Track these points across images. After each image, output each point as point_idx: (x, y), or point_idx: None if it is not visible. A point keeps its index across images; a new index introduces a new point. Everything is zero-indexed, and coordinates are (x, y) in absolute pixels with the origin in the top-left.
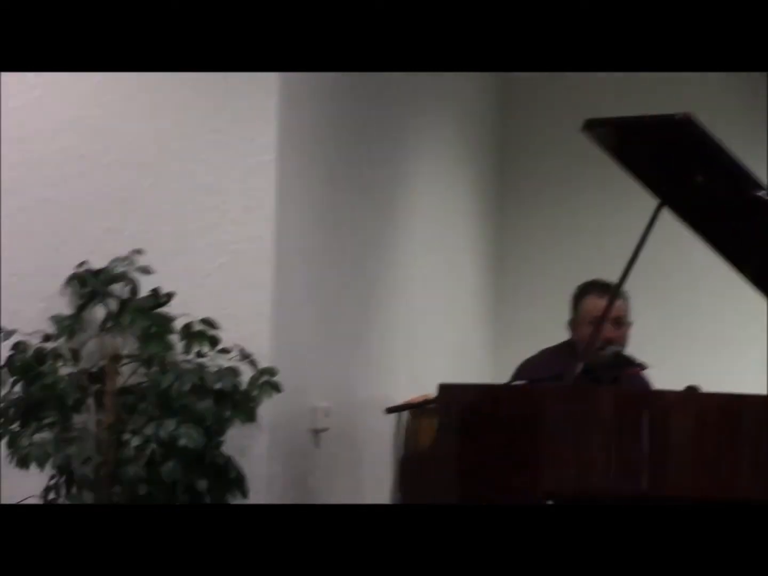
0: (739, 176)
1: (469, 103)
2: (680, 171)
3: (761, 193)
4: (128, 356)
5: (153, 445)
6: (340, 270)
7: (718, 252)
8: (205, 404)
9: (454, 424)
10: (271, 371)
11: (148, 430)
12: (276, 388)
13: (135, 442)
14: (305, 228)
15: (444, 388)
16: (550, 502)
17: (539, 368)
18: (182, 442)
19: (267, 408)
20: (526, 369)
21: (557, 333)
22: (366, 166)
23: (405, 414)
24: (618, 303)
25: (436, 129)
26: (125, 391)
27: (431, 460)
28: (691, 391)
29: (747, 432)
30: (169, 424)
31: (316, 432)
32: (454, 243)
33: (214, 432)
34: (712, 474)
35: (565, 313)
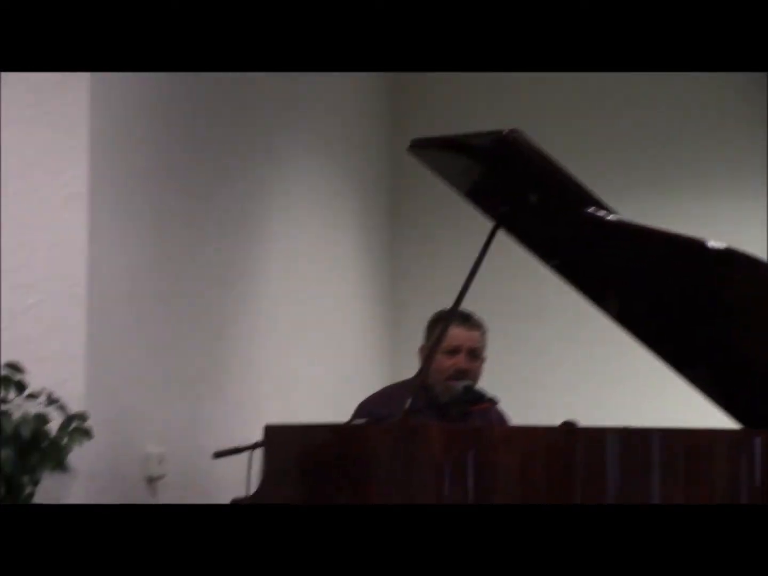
0: (573, 193)
1: (352, 101)
2: (513, 190)
3: (592, 210)
4: None
5: None
6: (173, 305)
7: (568, 281)
8: (2, 454)
9: (280, 468)
10: (82, 416)
11: None
12: (87, 434)
13: None
14: (126, 262)
15: (270, 429)
16: None
17: (382, 404)
18: None
19: (87, 455)
20: (367, 406)
21: None
22: (209, 183)
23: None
24: (474, 334)
25: (306, 130)
26: None
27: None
28: (568, 426)
29: (578, 468)
30: None
31: (151, 480)
32: (335, 252)
33: (17, 483)
34: None
35: None
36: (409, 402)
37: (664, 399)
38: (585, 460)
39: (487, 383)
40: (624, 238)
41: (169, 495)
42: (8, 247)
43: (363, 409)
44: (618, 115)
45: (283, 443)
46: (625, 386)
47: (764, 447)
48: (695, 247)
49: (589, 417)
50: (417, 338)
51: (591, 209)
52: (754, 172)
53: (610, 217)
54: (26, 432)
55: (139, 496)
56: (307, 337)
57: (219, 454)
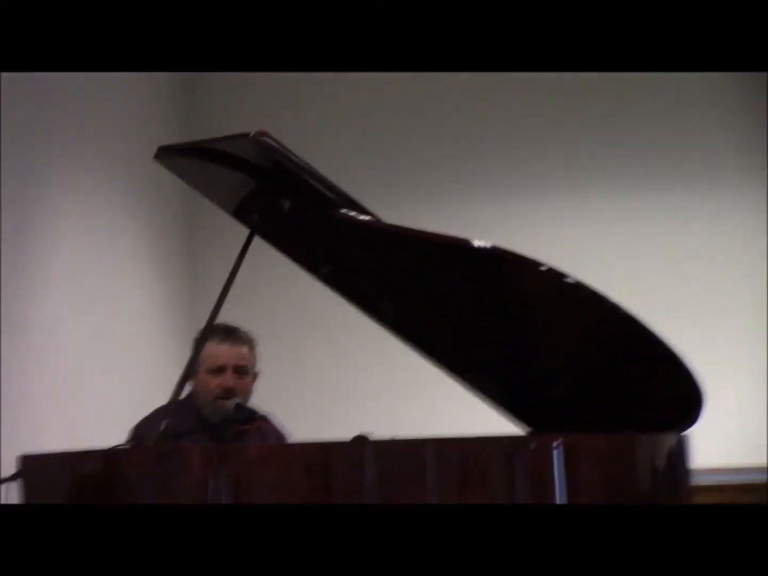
0: (324, 196)
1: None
2: (265, 196)
3: (345, 211)
4: None
5: None
6: None
7: (339, 291)
8: None
9: (39, 500)
10: None
11: None
12: None
13: None
14: None
15: (25, 459)
16: None
17: (153, 426)
18: None
19: None
20: (140, 429)
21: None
22: None
23: None
24: (240, 350)
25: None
26: None
27: None
28: (360, 439)
29: (337, 483)
30: None
31: None
32: (124, 259)
33: None
34: None
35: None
36: (164, 424)
37: (452, 406)
38: (344, 475)
39: (268, 398)
40: (383, 240)
41: None
42: None
43: (135, 431)
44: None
45: (40, 473)
46: (414, 394)
47: (540, 451)
48: (460, 247)
49: (386, 426)
50: None
51: (343, 210)
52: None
53: (362, 218)
54: None
55: None
56: (95, 353)
57: None
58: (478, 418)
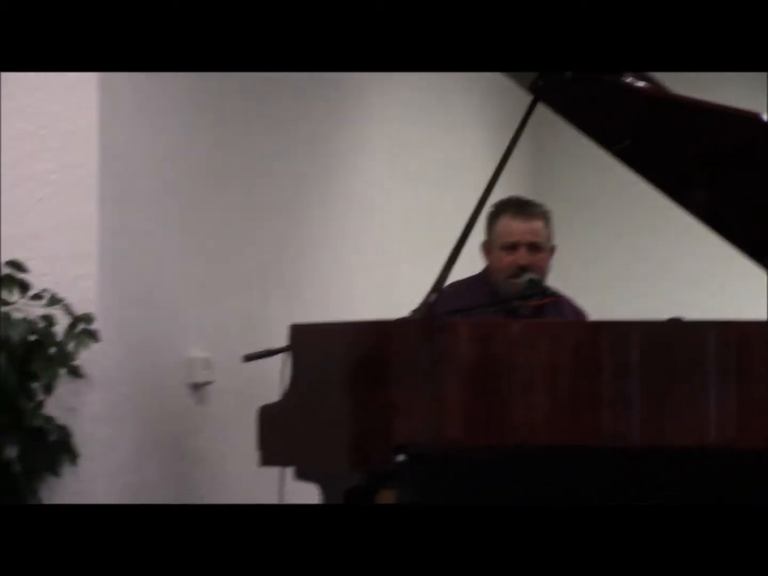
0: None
1: None
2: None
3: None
4: None
5: None
6: (227, 189)
7: (640, 171)
8: None
9: (305, 369)
10: (87, 318)
11: None
12: (94, 336)
13: None
14: (153, 146)
15: (295, 329)
16: (401, 458)
17: (449, 301)
18: None
19: (101, 361)
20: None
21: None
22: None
23: None
24: (533, 225)
25: None
26: None
27: (286, 411)
28: (674, 322)
29: (609, 366)
30: None
31: (197, 386)
32: (455, 123)
33: (15, 392)
34: (573, 415)
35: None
36: (432, 297)
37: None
38: (611, 357)
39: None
40: (667, 111)
41: (216, 402)
42: (12, 137)
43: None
44: None
45: (309, 343)
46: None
47: None
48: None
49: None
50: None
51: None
52: None
53: (641, 84)
54: (16, 335)
55: (182, 405)
56: (416, 228)
57: (249, 358)
58: None
